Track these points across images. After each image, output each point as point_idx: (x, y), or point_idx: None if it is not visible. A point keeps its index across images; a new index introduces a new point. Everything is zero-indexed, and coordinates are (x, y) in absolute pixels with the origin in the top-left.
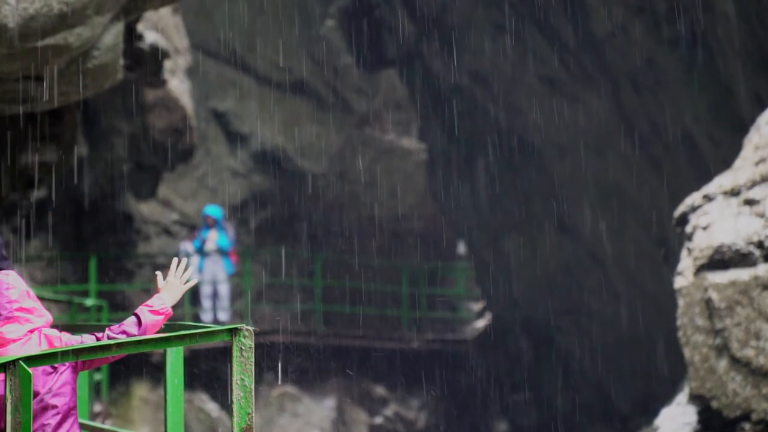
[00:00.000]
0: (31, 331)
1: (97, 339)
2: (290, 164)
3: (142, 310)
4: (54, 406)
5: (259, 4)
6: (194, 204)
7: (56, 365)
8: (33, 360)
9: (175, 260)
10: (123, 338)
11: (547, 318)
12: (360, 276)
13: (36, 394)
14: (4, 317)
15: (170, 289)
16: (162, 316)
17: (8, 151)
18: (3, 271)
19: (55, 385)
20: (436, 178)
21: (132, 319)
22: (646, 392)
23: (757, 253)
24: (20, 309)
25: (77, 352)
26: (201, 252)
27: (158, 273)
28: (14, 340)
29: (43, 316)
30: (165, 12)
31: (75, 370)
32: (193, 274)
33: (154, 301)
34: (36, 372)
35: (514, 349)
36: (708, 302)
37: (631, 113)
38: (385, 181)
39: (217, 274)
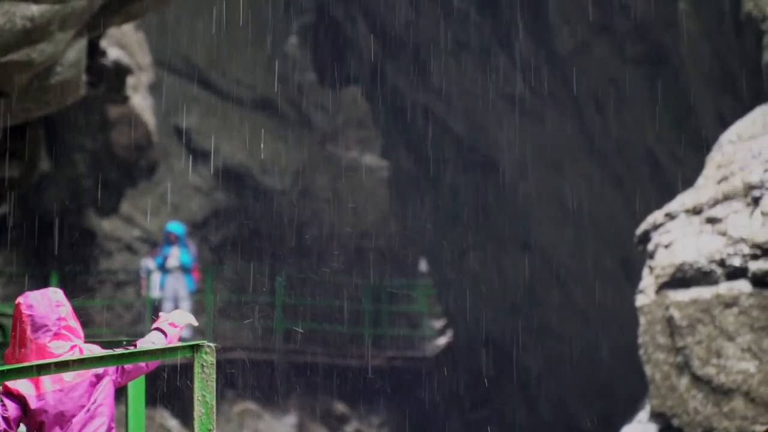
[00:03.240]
0: (72, 348)
1: None
2: (252, 181)
3: (162, 323)
4: (102, 414)
5: (222, 20)
6: (156, 220)
7: (99, 376)
8: (4, 375)
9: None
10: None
11: (509, 335)
12: (321, 293)
13: (82, 407)
14: (53, 333)
15: (174, 314)
16: (178, 328)
17: None
18: (51, 288)
19: (99, 396)
20: (398, 196)
21: (156, 332)
22: (607, 410)
23: (719, 271)
24: (67, 327)
25: (54, 365)
26: (163, 269)
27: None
28: (59, 356)
29: (81, 336)
30: (128, 28)
31: (114, 384)
32: (155, 291)
33: (167, 317)
34: (83, 384)
35: (475, 366)
36: (669, 320)
37: (593, 131)
38: (348, 199)
39: (178, 290)
